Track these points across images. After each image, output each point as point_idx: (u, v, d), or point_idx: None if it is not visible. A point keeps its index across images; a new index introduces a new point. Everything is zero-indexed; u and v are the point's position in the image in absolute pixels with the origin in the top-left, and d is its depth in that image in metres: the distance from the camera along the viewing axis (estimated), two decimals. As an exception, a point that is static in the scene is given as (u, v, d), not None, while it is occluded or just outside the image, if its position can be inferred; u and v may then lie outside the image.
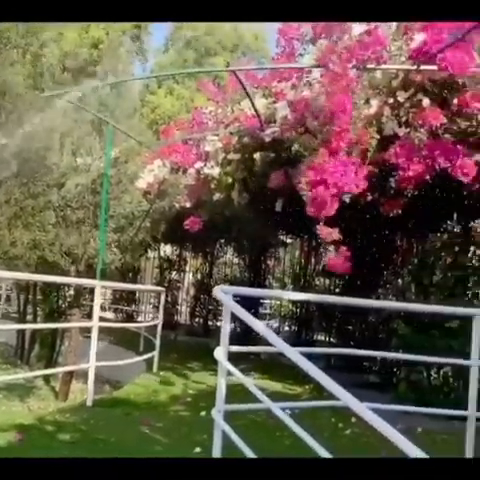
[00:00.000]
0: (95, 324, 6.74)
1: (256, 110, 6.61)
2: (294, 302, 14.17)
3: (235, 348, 4.27)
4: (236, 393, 4.10)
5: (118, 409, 6.44)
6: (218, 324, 16.43)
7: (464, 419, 4.98)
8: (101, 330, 11.16)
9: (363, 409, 2.62)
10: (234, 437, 3.67)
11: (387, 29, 5.26)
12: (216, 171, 7.44)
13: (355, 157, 5.30)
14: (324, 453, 2.91)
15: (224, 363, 4.00)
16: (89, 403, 6.54)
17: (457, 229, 7.18)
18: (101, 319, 11.80)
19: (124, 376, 9.21)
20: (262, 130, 6.85)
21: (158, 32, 44.09)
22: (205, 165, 7.55)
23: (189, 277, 17.98)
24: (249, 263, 15.97)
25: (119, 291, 16.77)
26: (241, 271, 16.59)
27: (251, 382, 3.92)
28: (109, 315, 17.54)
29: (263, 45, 32.10)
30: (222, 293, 4.14)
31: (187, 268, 18.02)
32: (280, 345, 3.49)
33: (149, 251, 15.99)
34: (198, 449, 4.47)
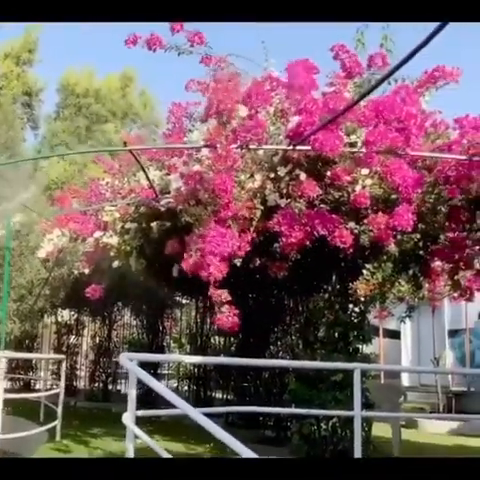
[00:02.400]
0: (-1, 396, 6.74)
1: (150, 182, 7.08)
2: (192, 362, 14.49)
3: (141, 412, 4.61)
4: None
5: None
6: (118, 388, 16.44)
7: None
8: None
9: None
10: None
11: (266, 114, 5.96)
12: (115, 240, 7.79)
13: (240, 226, 5.87)
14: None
15: (132, 427, 4.32)
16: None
17: (336, 290, 7.79)
18: None
19: (23, 448, 9.08)
20: (157, 201, 7.32)
21: (49, 99, 44.20)
22: (104, 234, 7.90)
23: (87, 341, 17.87)
24: (147, 324, 16.16)
25: (15, 359, 16.43)
26: (139, 333, 16.70)
27: (156, 445, 4.21)
28: (4, 385, 17.02)
29: (151, 113, 33.10)
30: (127, 360, 4.50)
31: (85, 332, 17.93)
32: (183, 406, 3.87)
33: (46, 317, 15.87)
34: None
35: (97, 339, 17.19)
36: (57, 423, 9.28)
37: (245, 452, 3.08)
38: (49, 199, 15.06)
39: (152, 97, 34.06)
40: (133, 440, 4.40)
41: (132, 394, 4.49)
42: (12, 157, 9.31)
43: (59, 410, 9.49)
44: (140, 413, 4.62)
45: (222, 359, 11.68)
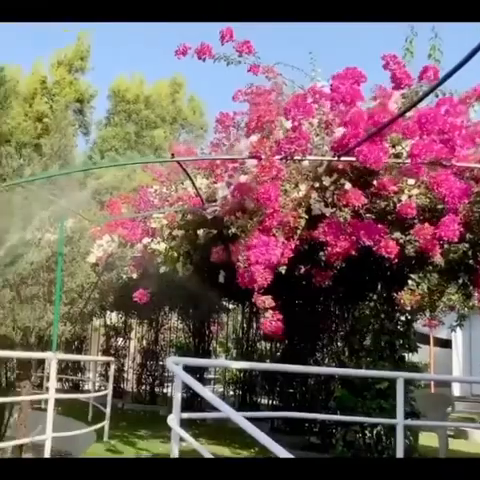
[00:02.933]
0: (51, 396, 6.99)
1: (197, 191, 7.21)
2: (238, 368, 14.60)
3: (186, 415, 4.75)
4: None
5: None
6: (164, 391, 16.62)
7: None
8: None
9: None
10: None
11: (309, 125, 6.02)
12: (162, 246, 7.98)
13: (284, 234, 5.95)
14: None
15: (177, 430, 4.45)
16: (44, 472, 6.75)
17: (381, 298, 7.79)
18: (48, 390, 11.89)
19: (73, 447, 9.33)
20: (204, 208, 7.45)
21: (100, 105, 45.08)
22: (152, 241, 8.09)
23: (135, 344, 18.12)
24: (194, 329, 16.29)
25: (65, 361, 16.79)
26: (186, 337, 16.85)
27: (201, 447, 4.34)
28: (55, 385, 17.39)
29: (200, 119, 33.46)
30: (173, 364, 4.64)
31: (133, 335, 18.17)
32: (227, 411, 3.99)
33: (95, 319, 16.14)
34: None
35: (144, 342, 17.36)
36: (105, 424, 9.48)
37: (285, 456, 3.16)
38: (99, 204, 15.38)
39: (201, 103, 34.51)
40: (178, 442, 4.53)
41: (177, 397, 4.63)
42: (64, 165, 9.54)
43: (107, 411, 9.71)
44: (185, 415, 4.77)
45: (267, 365, 11.73)
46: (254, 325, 14.66)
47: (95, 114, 32.85)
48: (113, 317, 17.54)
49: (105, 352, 17.22)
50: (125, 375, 17.31)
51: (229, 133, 7.60)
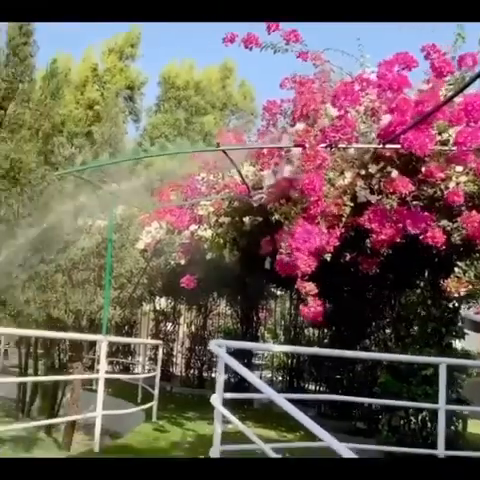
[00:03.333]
0: (101, 376, 7.26)
1: (243, 179, 7.29)
2: (286, 353, 14.70)
3: (229, 395, 4.89)
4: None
5: (122, 455, 6.92)
6: (212, 375, 16.84)
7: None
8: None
9: (347, 452, 3.18)
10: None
11: (356, 113, 6.02)
12: (208, 233, 8.10)
13: (329, 222, 5.99)
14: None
15: (219, 408, 4.59)
16: (96, 450, 7.03)
17: (428, 285, 7.76)
18: (98, 371, 12.22)
19: (122, 426, 9.60)
20: (250, 196, 7.53)
21: (150, 92, 45.42)
22: (199, 227, 8.22)
23: (183, 329, 18.39)
24: (242, 315, 16.43)
25: (115, 344, 17.17)
26: (234, 323, 17.02)
27: (245, 427, 4.47)
28: (106, 367, 17.81)
29: (251, 104, 33.34)
30: (217, 346, 4.77)
31: (181, 320, 18.44)
32: (269, 392, 4.10)
33: (144, 304, 16.43)
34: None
35: (193, 327, 17.65)
36: (154, 404, 9.71)
37: (327, 438, 3.25)
38: (149, 191, 15.59)
39: (251, 88, 34.37)
40: (221, 420, 4.66)
41: (220, 378, 4.78)
42: (115, 153, 9.76)
43: (155, 392, 9.94)
44: (228, 396, 4.91)
45: (312, 349, 11.81)
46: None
47: (145, 101, 33.28)
48: (162, 302, 17.81)
49: (154, 336, 17.56)
50: (174, 359, 17.60)
51: (276, 121, 7.63)
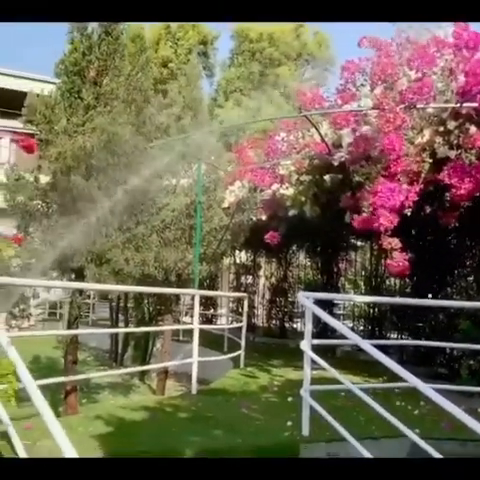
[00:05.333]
0: (196, 326, 7.87)
1: (323, 138, 7.57)
2: (367, 303, 14.93)
3: (317, 341, 5.35)
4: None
5: (218, 396, 7.62)
6: (294, 326, 17.30)
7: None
8: (186, 333, 12.29)
9: (430, 391, 3.56)
10: (319, 409, 4.74)
11: (432, 74, 6.18)
12: (290, 191, 8.46)
13: (409, 179, 6.24)
14: (397, 423, 3.85)
15: (309, 353, 5.05)
16: (194, 392, 7.70)
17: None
18: (185, 323, 12.81)
19: (210, 374, 10.16)
20: (330, 155, 7.81)
21: (223, 46, 45.30)
22: (281, 186, 8.59)
23: (263, 281, 18.84)
24: (322, 266, 16.62)
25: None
26: (314, 274, 17.31)
27: (333, 369, 4.90)
28: (189, 320, 18.48)
29: (326, 52, 32.86)
30: (304, 298, 5.21)
31: (261, 273, 18.86)
32: (354, 338, 4.52)
33: (225, 258, 16.87)
34: (290, 423, 5.50)
35: (273, 279, 17.97)
36: (241, 353, 10.25)
37: (413, 379, 3.63)
38: (226, 146, 15.81)
39: (326, 36, 33.78)
40: (310, 364, 5.12)
41: (308, 326, 5.20)
42: (195, 116, 10.13)
43: (242, 342, 10.46)
44: (316, 342, 5.38)
45: (395, 299, 11.97)
46: (383, 262, 14.84)
47: (219, 55, 33.39)
48: (242, 256, 18.17)
49: (235, 289, 18.03)
50: (255, 311, 18.01)
51: (354, 79, 7.81)
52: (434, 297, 10.59)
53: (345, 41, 35.92)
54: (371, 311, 15.13)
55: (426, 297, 9.44)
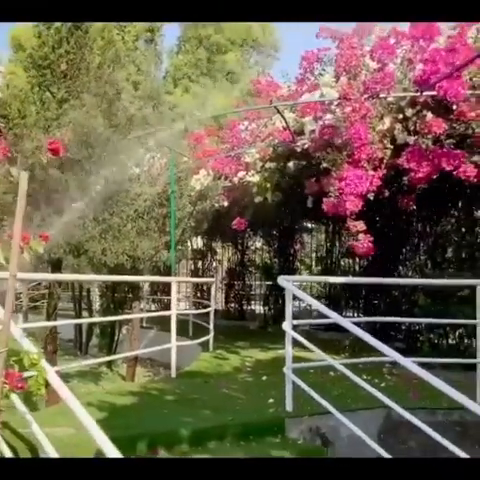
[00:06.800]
0: (173, 312, 8.13)
1: (288, 126, 7.89)
2: (321, 283, 15.41)
3: (297, 321, 5.69)
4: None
5: (197, 379, 7.88)
6: (252, 308, 17.71)
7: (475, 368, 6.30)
8: (148, 320, 12.39)
9: (412, 364, 3.94)
10: (303, 385, 5.10)
11: (392, 64, 6.57)
12: (256, 178, 8.77)
13: (373, 166, 6.63)
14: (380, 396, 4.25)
15: (290, 332, 5.39)
16: (173, 375, 7.98)
17: (462, 214, 8.37)
18: (142, 310, 12.87)
19: (178, 359, 10.39)
20: (293, 142, 8.14)
21: (169, 33, 44.99)
22: (246, 174, 8.89)
23: (221, 266, 19.15)
24: (278, 249, 16.99)
25: (156, 283, 17.74)
26: (271, 257, 17.73)
27: (315, 348, 5.27)
28: (148, 307, 18.50)
29: (270, 38, 33.18)
30: (284, 280, 5.55)
31: (218, 257, 19.22)
32: (335, 316, 4.89)
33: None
34: (271, 400, 5.84)
35: (231, 264, 18.39)
36: (210, 337, 10.54)
37: (391, 352, 4.04)
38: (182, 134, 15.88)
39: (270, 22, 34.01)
40: (291, 343, 5.47)
41: (289, 307, 5.54)
42: (157, 106, 10.32)
43: (211, 326, 10.75)
44: (295, 322, 5.71)
45: (366, 279, 12.14)
46: (337, 243, 15.28)
47: (166, 42, 33.21)
48: (199, 242, 18.36)
49: (192, 275, 18.26)
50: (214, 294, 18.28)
51: (313, 69, 8.12)
52: (389, 276, 10.98)
53: (289, 27, 36.27)
54: (326, 290, 15.59)
55: (380, 275, 9.77)
